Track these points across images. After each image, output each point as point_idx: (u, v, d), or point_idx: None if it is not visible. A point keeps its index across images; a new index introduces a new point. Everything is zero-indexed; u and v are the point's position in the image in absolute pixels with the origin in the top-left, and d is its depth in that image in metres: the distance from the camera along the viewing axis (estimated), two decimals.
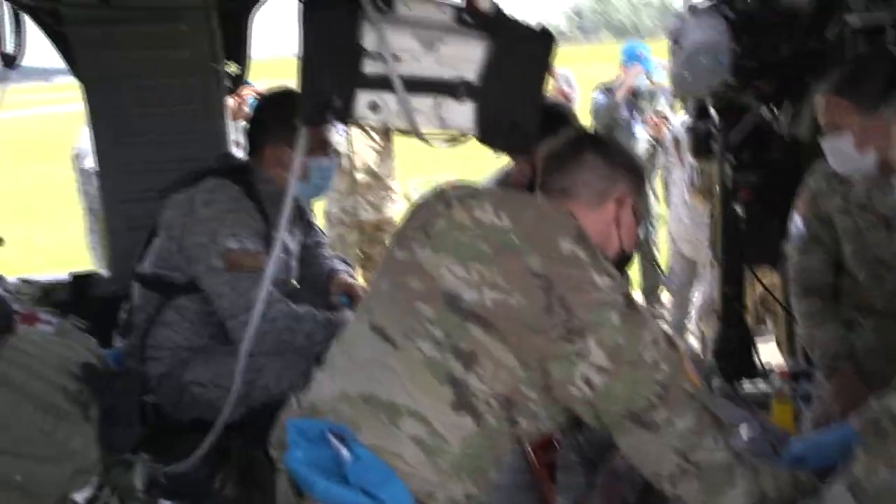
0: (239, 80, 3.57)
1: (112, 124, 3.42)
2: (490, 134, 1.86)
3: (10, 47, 2.66)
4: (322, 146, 2.66)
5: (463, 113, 1.85)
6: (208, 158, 2.92)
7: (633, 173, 1.83)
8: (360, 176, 5.11)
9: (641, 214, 1.90)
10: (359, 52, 1.77)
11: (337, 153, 2.86)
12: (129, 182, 3.43)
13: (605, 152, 1.81)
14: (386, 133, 4.88)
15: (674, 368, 1.66)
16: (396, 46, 1.78)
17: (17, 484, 1.80)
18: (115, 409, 2.02)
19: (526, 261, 1.65)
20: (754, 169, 3.09)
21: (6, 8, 2.66)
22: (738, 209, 3.22)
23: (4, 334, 1.97)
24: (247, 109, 4.46)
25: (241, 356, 2.16)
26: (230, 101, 3.78)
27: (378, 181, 5.17)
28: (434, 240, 1.74)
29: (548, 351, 1.62)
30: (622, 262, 1.85)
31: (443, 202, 1.78)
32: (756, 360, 3.30)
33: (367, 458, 1.56)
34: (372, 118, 1.81)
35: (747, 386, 2.83)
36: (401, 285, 1.73)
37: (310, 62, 1.77)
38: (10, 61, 2.68)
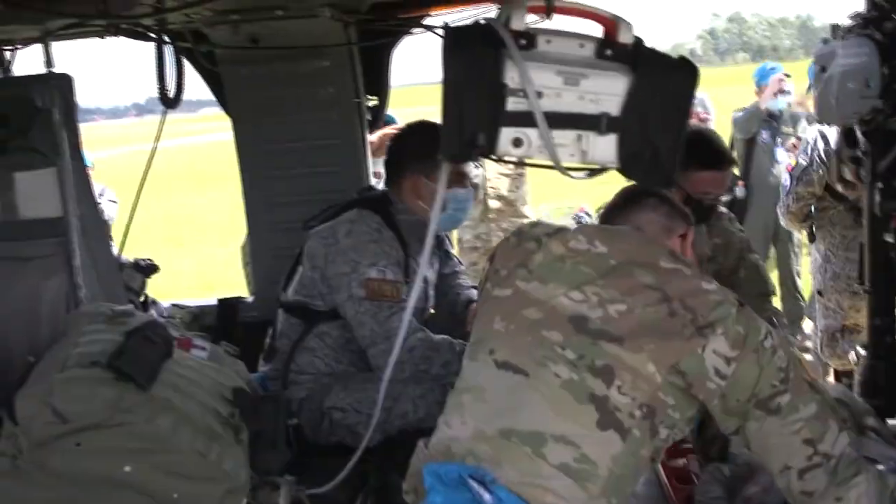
0: (379, 113, 3.62)
1: (258, 157, 3.52)
2: (631, 166, 1.86)
3: (171, 89, 2.81)
4: (459, 178, 2.70)
5: (605, 145, 1.85)
6: (349, 191, 2.99)
7: (686, 217, 1.94)
8: (493, 203, 5.13)
9: (700, 253, 1.99)
10: (502, 90, 1.79)
11: (474, 185, 2.90)
12: (273, 213, 3.52)
13: (661, 196, 1.92)
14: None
15: (791, 357, 1.72)
16: (539, 83, 1.79)
17: (174, 501, 1.88)
18: (264, 432, 2.10)
19: (636, 277, 1.71)
20: None
21: (168, 51, 2.82)
22: (889, 237, 3.06)
23: (165, 359, 2.07)
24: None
25: (382, 384, 2.20)
26: (372, 137, 3.84)
27: (511, 207, 5.19)
28: (537, 273, 1.81)
29: (682, 350, 1.66)
30: None
31: (532, 240, 1.86)
32: None
33: (508, 499, 1.57)
34: (515, 153, 1.83)
35: None
36: (517, 319, 1.77)
37: (453, 99, 1.79)
38: (172, 103, 2.83)
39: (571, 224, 5.43)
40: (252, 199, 3.59)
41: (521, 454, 1.62)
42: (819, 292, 4.15)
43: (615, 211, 1.95)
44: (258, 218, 3.59)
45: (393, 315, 2.51)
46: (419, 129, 2.76)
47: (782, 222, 4.42)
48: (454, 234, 5.06)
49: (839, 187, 4.00)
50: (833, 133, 3.95)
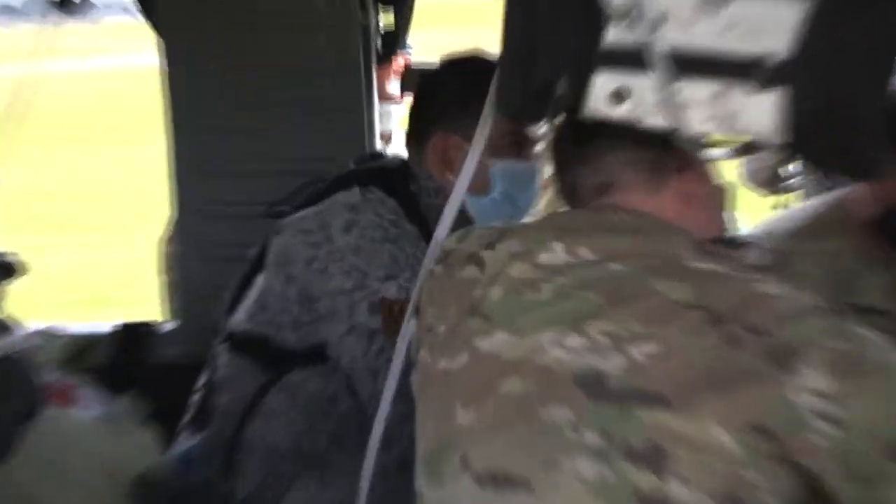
0: (394, 40, 3.65)
1: (199, 101, 3.55)
2: (808, 142, 1.77)
3: None
4: (517, 144, 2.66)
5: (763, 107, 1.74)
6: (345, 158, 2.97)
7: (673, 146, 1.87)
8: None
9: (717, 183, 1.97)
10: (598, 12, 1.72)
11: (540, 156, 2.80)
12: (217, 190, 3.55)
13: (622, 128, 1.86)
14: None
15: None
16: (659, 2, 1.71)
17: None
18: None
19: (661, 294, 1.67)
20: None
21: None
22: None
23: (25, 420, 2.04)
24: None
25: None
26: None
27: None
28: (500, 317, 1.76)
29: (759, 397, 1.60)
30: None
31: (468, 263, 1.84)
32: None
33: None
34: (613, 113, 1.76)
35: None
36: (493, 401, 1.73)
37: (519, 25, 1.75)
38: (68, 5, 2.87)
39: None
40: (183, 167, 3.60)
41: None
42: None
43: (573, 154, 1.92)
44: (191, 196, 3.60)
45: None
46: (458, 66, 2.73)
47: None
48: None
49: None
50: None
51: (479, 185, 2.54)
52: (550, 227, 1.83)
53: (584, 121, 1.85)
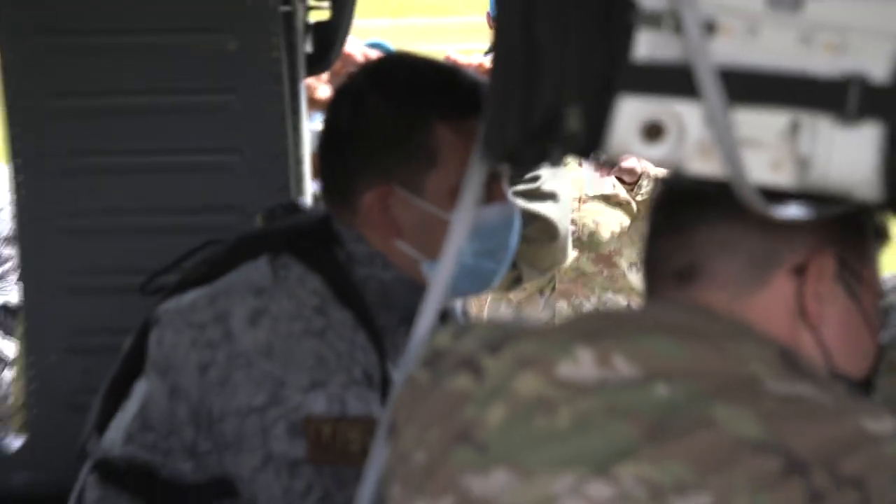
0: (333, 31, 3.63)
1: (51, 121, 3.52)
2: None
3: None
4: (492, 184, 2.69)
5: (851, 150, 1.73)
6: (257, 207, 3.01)
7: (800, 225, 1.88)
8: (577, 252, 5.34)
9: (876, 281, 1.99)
10: (626, 12, 1.71)
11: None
12: (74, 253, 3.52)
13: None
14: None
15: None
16: (707, 2, 1.71)
17: None
18: None
19: (721, 427, 1.67)
20: None
21: None
22: None
23: None
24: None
25: None
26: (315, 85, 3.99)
27: (607, 266, 5.47)
28: (501, 452, 1.75)
29: None
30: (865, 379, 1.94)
31: (466, 371, 1.81)
32: None
33: None
34: (648, 152, 1.75)
35: None
36: None
37: (515, 40, 1.73)
38: None
39: (540, 304, 6.03)
40: (28, 220, 3.55)
41: None
42: None
43: (667, 223, 1.93)
44: (42, 263, 3.57)
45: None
46: (384, 80, 2.76)
47: None
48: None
49: None
50: None
51: (438, 247, 2.45)
52: (579, 327, 1.81)
53: (690, 176, 1.82)
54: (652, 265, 1.93)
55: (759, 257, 1.85)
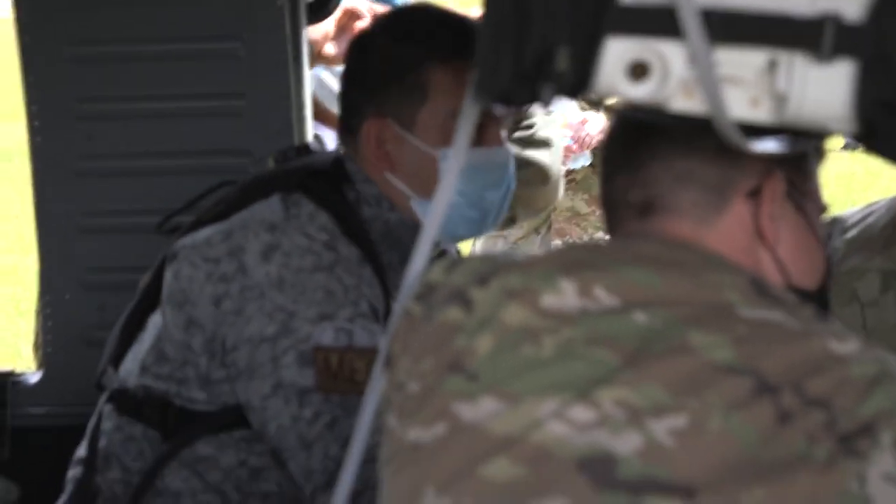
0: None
1: (63, 79, 3.52)
2: (886, 134, 1.77)
3: None
4: (488, 126, 2.71)
5: (826, 86, 1.75)
6: (260, 152, 3.05)
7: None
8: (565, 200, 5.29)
9: (819, 196, 2.00)
10: None
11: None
12: (90, 194, 3.53)
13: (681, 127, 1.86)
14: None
15: None
16: None
17: None
18: None
19: (697, 352, 1.69)
20: None
21: None
22: None
23: None
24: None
25: None
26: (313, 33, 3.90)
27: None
28: (488, 376, 1.77)
29: (820, 488, 1.64)
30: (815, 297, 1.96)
31: (457, 303, 1.83)
32: None
33: None
34: (634, 91, 1.75)
35: None
36: (471, 487, 1.73)
37: None
38: None
39: (536, 242, 6.02)
40: (44, 163, 3.58)
41: None
42: None
43: (622, 157, 1.93)
44: (58, 203, 3.59)
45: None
46: (391, 23, 2.84)
47: None
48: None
49: None
50: None
51: (426, 183, 2.56)
52: (562, 260, 1.83)
53: (641, 113, 1.84)
54: (612, 202, 1.94)
55: (715, 186, 1.87)
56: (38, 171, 3.60)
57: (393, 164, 2.70)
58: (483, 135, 2.67)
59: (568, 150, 5.30)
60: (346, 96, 2.82)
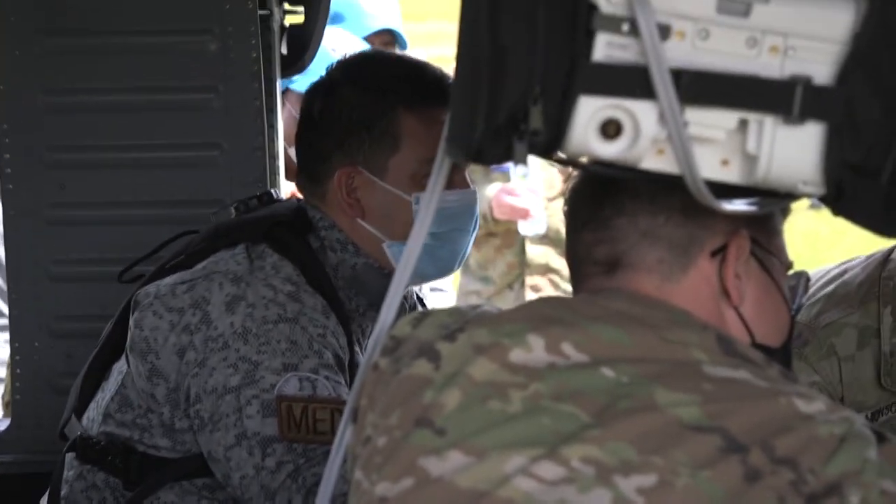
0: (305, 39, 3.64)
1: (33, 115, 3.51)
2: (853, 195, 1.79)
3: None
4: (454, 170, 2.68)
5: (797, 147, 1.77)
6: (228, 201, 3.03)
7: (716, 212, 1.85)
8: (533, 250, 5.53)
9: (784, 253, 2.00)
10: (587, 14, 1.72)
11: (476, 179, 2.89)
12: (59, 240, 3.50)
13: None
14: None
15: None
16: (667, 6, 1.72)
17: None
18: None
19: (664, 411, 1.69)
20: None
21: None
22: None
23: None
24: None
25: None
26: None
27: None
28: (456, 431, 1.76)
29: None
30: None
31: (424, 357, 1.82)
32: None
33: None
34: (605, 150, 1.75)
35: None
36: None
37: (480, 40, 1.74)
38: None
39: (510, 298, 6.04)
40: (13, 207, 3.55)
41: None
42: None
43: (590, 214, 1.91)
44: (26, 248, 3.55)
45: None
46: (356, 71, 2.80)
47: None
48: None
49: None
50: None
51: (398, 226, 2.58)
52: (531, 315, 1.82)
53: (606, 169, 1.83)
54: (577, 257, 1.93)
55: (680, 244, 1.86)
56: (10, 218, 3.58)
57: (363, 211, 2.71)
58: (452, 177, 2.63)
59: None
60: (308, 143, 2.82)
